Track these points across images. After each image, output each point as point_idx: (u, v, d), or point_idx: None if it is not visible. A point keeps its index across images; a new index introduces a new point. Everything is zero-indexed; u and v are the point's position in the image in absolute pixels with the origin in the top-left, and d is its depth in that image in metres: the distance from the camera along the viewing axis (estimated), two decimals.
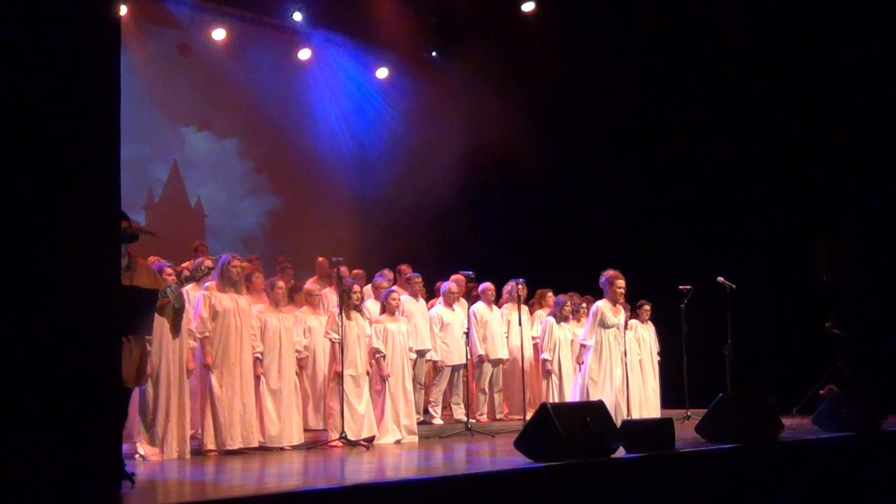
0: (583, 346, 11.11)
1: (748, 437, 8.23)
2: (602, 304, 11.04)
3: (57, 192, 5.20)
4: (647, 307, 12.74)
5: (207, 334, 8.92)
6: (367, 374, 9.96)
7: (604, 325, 10.92)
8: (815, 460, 8.59)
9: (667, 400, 12.86)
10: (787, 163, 14.35)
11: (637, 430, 7.69)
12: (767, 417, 8.70)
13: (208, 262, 9.00)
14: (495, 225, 15.22)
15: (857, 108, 13.93)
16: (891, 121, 13.78)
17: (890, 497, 8.97)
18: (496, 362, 12.02)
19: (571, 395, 11.27)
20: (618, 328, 11.03)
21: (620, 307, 11.18)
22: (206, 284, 9.22)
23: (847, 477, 8.70)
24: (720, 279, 11.90)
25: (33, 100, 5.19)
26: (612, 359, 10.96)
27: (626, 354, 11.14)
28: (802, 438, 8.96)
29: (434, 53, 16.69)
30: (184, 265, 9.94)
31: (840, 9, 13.47)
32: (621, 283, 10.96)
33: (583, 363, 11.04)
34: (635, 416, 11.55)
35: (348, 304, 9.79)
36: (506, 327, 12.15)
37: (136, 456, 8.21)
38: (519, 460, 7.11)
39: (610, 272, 11.02)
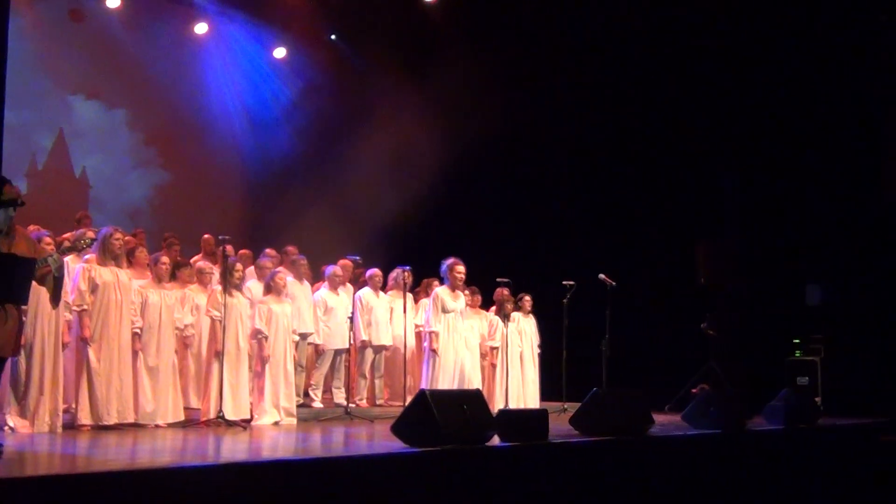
0: (431, 332, 11.31)
1: (619, 430, 8.47)
2: (441, 291, 11.39)
3: None
4: (528, 299, 12.95)
5: (86, 307, 8.75)
6: (249, 354, 9.91)
7: (444, 310, 11.26)
8: (682, 455, 8.89)
9: (546, 392, 13.10)
10: (675, 167, 14.73)
11: (512, 420, 7.84)
12: (638, 413, 8.96)
13: (90, 234, 8.87)
14: (385, 211, 15.24)
15: (740, 110, 14.39)
16: (774, 123, 14.29)
17: (752, 492, 9.33)
18: (379, 348, 12.07)
19: (423, 381, 11.36)
20: (458, 313, 11.39)
21: (459, 293, 11.52)
22: (87, 257, 9.03)
23: (712, 473, 9.03)
24: (601, 276, 12.16)
25: None
26: (454, 342, 11.30)
27: (467, 341, 11.54)
28: (671, 434, 9.27)
29: (334, 37, 16.61)
30: (65, 236, 9.74)
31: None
32: (461, 269, 11.33)
33: (435, 349, 11.23)
34: (513, 406, 11.81)
35: (230, 281, 9.72)
36: (390, 314, 12.19)
37: (6, 427, 8.01)
38: (396, 445, 7.18)
39: (450, 259, 11.37)
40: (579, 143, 15.05)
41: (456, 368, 11.25)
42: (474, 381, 11.29)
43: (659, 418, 10.78)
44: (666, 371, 13.58)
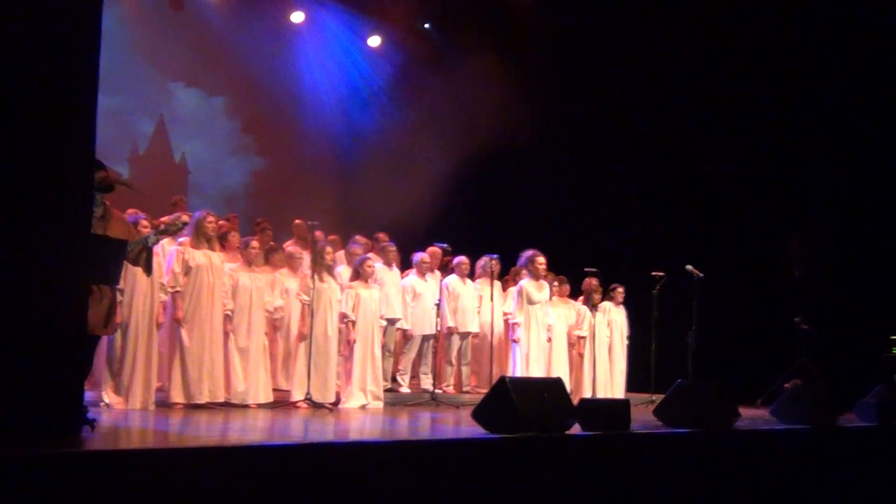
0: (514, 324, 11.48)
1: (703, 422, 8.39)
2: (526, 283, 11.59)
3: (29, 137, 5.26)
4: (621, 290, 12.90)
5: (179, 289, 9.00)
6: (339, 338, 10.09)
7: (529, 301, 11.46)
8: (769, 450, 8.75)
9: (635, 383, 13.03)
10: (767, 157, 14.46)
11: (594, 409, 7.83)
12: (724, 405, 8.85)
13: (185, 218, 9.11)
14: (477, 200, 15.29)
15: (836, 103, 14.06)
16: (867, 116, 13.93)
17: (840, 490, 9.15)
18: (465, 335, 12.13)
19: (511, 371, 11.44)
20: (543, 304, 11.58)
21: (544, 283, 11.69)
22: (181, 240, 9.28)
23: (799, 469, 8.88)
24: (688, 267, 12.03)
25: (7, 43, 5.24)
26: (539, 333, 11.52)
27: (550, 329, 11.74)
28: (757, 428, 9.13)
29: (427, 25, 16.68)
30: (162, 219, 9.99)
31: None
32: (541, 259, 11.58)
33: (517, 339, 11.42)
34: (601, 396, 11.79)
35: (321, 265, 9.89)
36: (478, 302, 12.24)
37: (102, 404, 8.31)
38: (476, 430, 7.24)
39: (529, 252, 11.61)
40: (672, 131, 14.87)
41: (540, 359, 11.32)
42: (558, 371, 11.31)
43: (749, 412, 10.66)
44: (758, 365, 13.36)
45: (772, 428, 9.20)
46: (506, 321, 12.24)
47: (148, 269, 7.54)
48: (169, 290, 9.00)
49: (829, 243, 14.05)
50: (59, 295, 5.35)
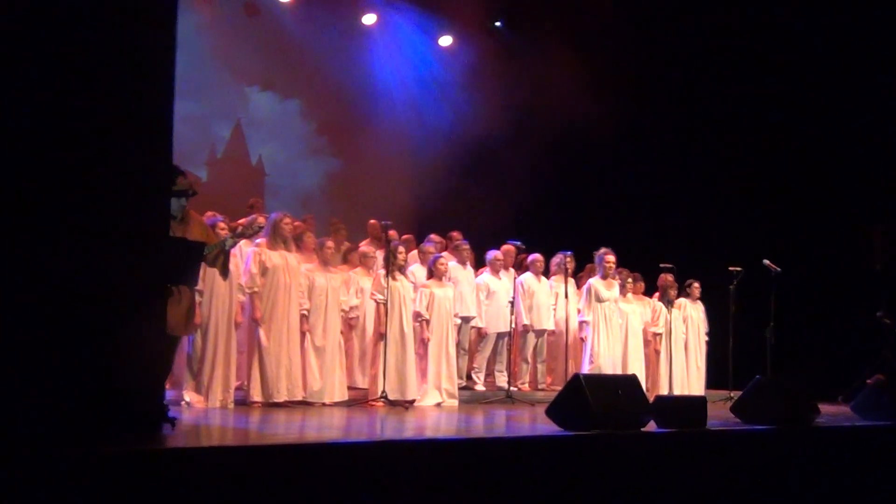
0: (583, 322, 11.50)
1: (782, 420, 8.27)
2: (594, 281, 11.65)
3: (109, 145, 5.41)
4: (696, 285, 12.79)
5: (256, 289, 9.15)
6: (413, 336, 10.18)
7: (598, 299, 11.49)
8: (850, 447, 8.60)
9: (713, 380, 12.91)
10: (848, 146, 14.19)
11: (669, 406, 7.78)
12: (804, 401, 8.72)
13: (261, 220, 9.30)
14: (552, 197, 15.25)
15: None
16: None
17: None
18: (540, 333, 12.13)
19: (582, 369, 11.43)
20: (612, 301, 11.62)
21: (613, 281, 11.72)
22: (258, 241, 9.44)
23: (882, 467, 8.71)
24: (766, 262, 11.87)
25: (88, 54, 5.39)
26: (609, 331, 11.55)
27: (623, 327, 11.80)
28: (838, 425, 8.97)
29: (498, 24, 16.69)
30: (239, 221, 10.18)
31: None
32: (610, 258, 11.65)
33: (584, 338, 11.50)
34: (678, 393, 11.70)
35: (393, 264, 9.98)
36: (553, 299, 12.23)
37: (182, 402, 8.49)
38: (551, 428, 7.24)
39: (601, 249, 11.68)
40: (749, 122, 14.67)
41: (610, 356, 11.31)
42: (633, 368, 11.27)
43: (830, 409, 10.48)
44: (838, 360, 13.12)
45: (854, 424, 9.04)
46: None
47: (224, 273, 7.71)
48: (247, 290, 9.15)
49: None
50: (140, 297, 5.49)
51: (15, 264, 5.08)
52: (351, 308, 10.15)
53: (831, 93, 14.18)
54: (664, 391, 11.73)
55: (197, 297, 7.96)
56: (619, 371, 11.22)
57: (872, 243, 13.63)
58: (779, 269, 11.80)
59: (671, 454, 7.26)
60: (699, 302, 12.91)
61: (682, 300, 12.68)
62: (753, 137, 14.69)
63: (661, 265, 12.23)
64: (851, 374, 12.66)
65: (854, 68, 13.99)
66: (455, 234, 12.40)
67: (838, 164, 14.25)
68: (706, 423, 7.83)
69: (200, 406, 8.50)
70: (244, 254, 9.45)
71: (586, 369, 11.22)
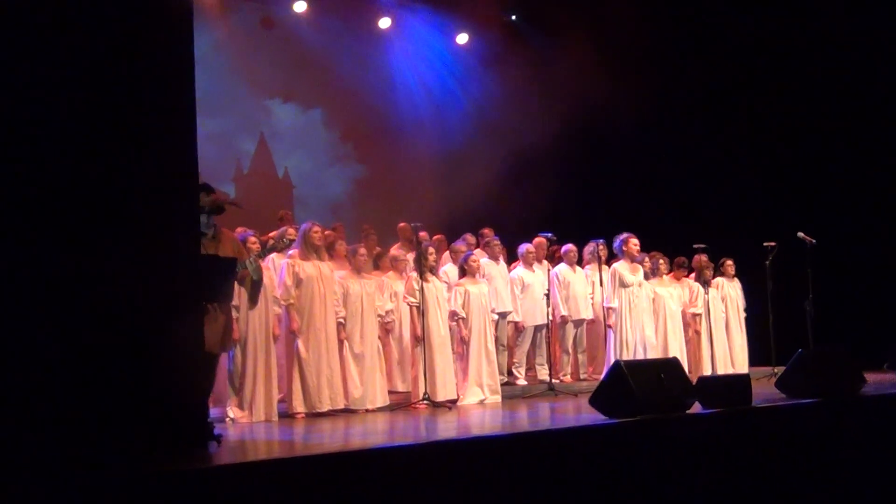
0: (609, 308, 11.42)
1: (828, 391, 8.21)
2: (618, 266, 11.54)
3: (134, 167, 5.46)
4: (730, 263, 12.74)
5: (292, 301, 9.18)
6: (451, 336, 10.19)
7: (623, 284, 11.39)
8: None
9: (756, 357, 12.82)
10: (877, 113, 14.03)
11: (713, 386, 7.74)
12: (848, 372, 8.65)
13: (291, 232, 9.33)
14: (578, 188, 15.20)
15: None
16: None
17: None
18: (578, 323, 12.10)
19: (608, 357, 11.38)
20: (636, 285, 11.50)
21: (638, 265, 11.62)
22: (290, 253, 9.48)
23: None
24: (800, 234, 11.77)
25: (107, 76, 5.44)
26: (634, 315, 11.42)
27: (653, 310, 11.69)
28: (886, 392, 8.89)
29: (514, 17, 16.66)
30: (270, 235, 10.23)
31: None
32: (635, 241, 11.55)
33: (611, 325, 11.39)
34: (721, 372, 11.64)
35: (425, 265, 9.99)
36: (590, 288, 12.20)
37: (227, 419, 8.53)
38: (596, 417, 7.23)
39: (623, 234, 11.60)
40: (777, 98, 14.54)
41: (639, 340, 11.26)
42: (672, 351, 11.23)
43: (876, 377, 10.39)
44: (881, 328, 12.99)
45: None
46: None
47: (253, 300, 7.71)
48: (282, 303, 9.19)
49: None
50: (175, 316, 5.54)
51: (51, 289, 5.14)
52: (386, 312, 10.16)
53: (861, 61, 14.01)
54: (707, 372, 11.66)
55: (233, 314, 8.01)
56: (653, 355, 11.15)
57: None
58: (814, 240, 11.70)
59: (718, 434, 7.23)
60: (736, 279, 12.84)
61: (718, 279, 12.62)
62: (778, 109, 14.55)
63: (695, 245, 12.17)
64: (895, 341, 12.54)
65: (884, 36, 13.81)
66: (486, 230, 12.41)
67: (867, 130, 14.08)
68: (751, 400, 7.79)
69: (245, 421, 8.54)
70: (278, 266, 9.50)
71: (613, 358, 11.13)
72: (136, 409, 5.25)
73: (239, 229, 9.44)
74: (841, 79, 14.10)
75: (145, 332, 5.35)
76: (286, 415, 9.04)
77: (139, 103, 5.63)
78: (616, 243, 11.65)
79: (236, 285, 7.34)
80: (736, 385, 7.84)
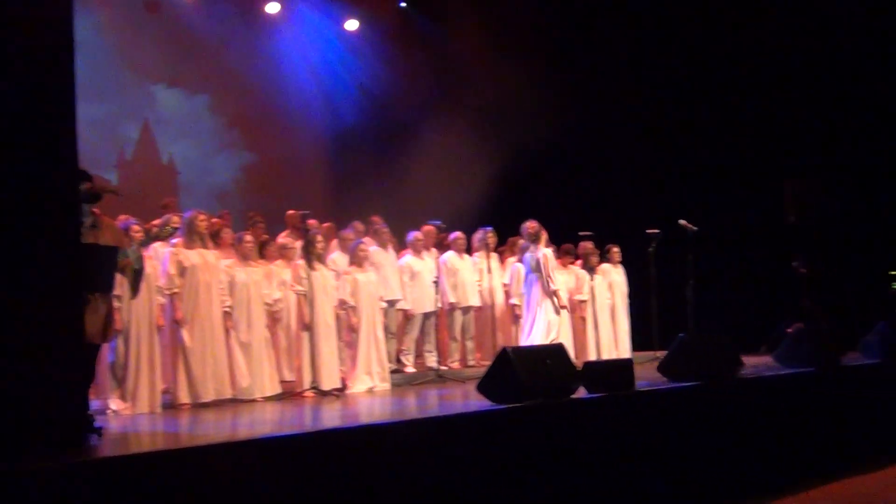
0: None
1: (707, 375, 8.44)
2: (549, 252, 11.67)
3: (9, 154, 5.29)
4: (616, 250, 12.96)
5: (176, 290, 9.03)
6: (337, 325, 10.15)
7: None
8: (775, 396, 8.82)
9: (639, 342, 13.10)
10: (755, 102, 14.46)
11: (597, 372, 7.89)
12: (727, 355, 8.91)
13: (175, 220, 9.16)
14: (467, 175, 15.29)
15: (827, 47, 14.05)
16: (860, 59, 13.93)
17: (848, 428, 9.22)
18: (467, 310, 12.18)
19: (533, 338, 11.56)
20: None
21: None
22: (174, 241, 9.31)
23: (806, 411, 8.94)
24: (682, 222, 12.06)
25: None
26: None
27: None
28: (762, 375, 9.19)
29: (403, 4, 16.64)
30: (154, 223, 10.02)
31: None
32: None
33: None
34: (606, 357, 11.85)
35: (312, 254, 9.93)
36: (478, 275, 12.28)
37: (108, 411, 8.33)
38: (482, 403, 7.29)
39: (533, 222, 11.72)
40: (658, 82, 14.85)
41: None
42: (561, 337, 11.41)
43: (753, 360, 10.72)
44: (759, 312, 13.43)
45: (777, 373, 9.27)
46: (506, 292, 12.31)
47: (134, 290, 7.56)
48: (166, 292, 9.03)
49: (821, 186, 14.08)
50: (54, 306, 5.39)
51: None
52: (274, 301, 10.05)
53: (739, 50, 14.41)
54: (592, 357, 11.87)
55: (115, 303, 7.83)
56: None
57: (784, 197, 13.95)
58: (695, 228, 12.00)
59: (602, 418, 7.38)
60: (620, 266, 13.08)
61: (604, 266, 12.84)
62: (661, 99, 14.88)
63: (580, 233, 12.36)
64: (772, 325, 12.97)
65: (760, 26, 14.22)
66: (375, 218, 12.34)
67: (746, 123, 14.51)
68: (634, 384, 7.96)
69: (127, 413, 8.35)
70: (161, 255, 9.32)
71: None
72: (12, 401, 5.10)
73: (121, 217, 9.19)
74: (725, 69, 14.49)
75: (21, 323, 5.19)
76: (171, 406, 8.88)
77: (14, 87, 5.44)
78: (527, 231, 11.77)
79: (118, 275, 7.16)
80: (619, 370, 8.01)
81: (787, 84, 14.27)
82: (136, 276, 7.35)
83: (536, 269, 11.46)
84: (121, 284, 8.00)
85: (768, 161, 14.41)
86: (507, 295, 12.31)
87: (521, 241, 12.38)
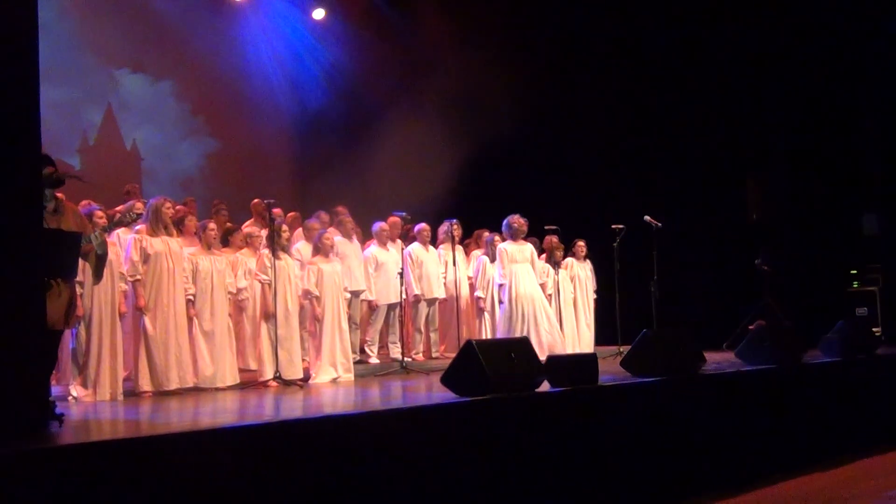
0: (500, 285, 11.67)
1: (670, 370, 8.48)
2: (506, 245, 11.85)
3: None
4: (581, 244, 13.01)
5: (139, 277, 8.95)
6: (301, 314, 10.11)
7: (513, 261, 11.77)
8: (736, 392, 8.88)
9: (602, 336, 13.15)
10: (719, 100, 14.55)
11: (561, 365, 7.88)
12: (690, 352, 8.95)
13: (139, 206, 9.07)
14: (432, 166, 15.27)
15: (787, 45, 14.16)
16: (820, 58, 14.05)
17: (810, 425, 9.31)
18: (431, 302, 12.18)
19: (498, 333, 11.59)
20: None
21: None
22: (137, 228, 9.22)
23: (767, 408, 9.01)
24: (647, 218, 12.12)
25: None
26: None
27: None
28: (724, 371, 9.25)
29: None
30: (117, 209, 9.93)
31: None
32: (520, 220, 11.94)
33: (502, 302, 11.60)
34: (569, 352, 11.88)
35: (277, 243, 9.88)
36: (443, 267, 12.28)
37: (69, 398, 8.26)
38: (446, 395, 7.28)
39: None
40: (622, 80, 14.91)
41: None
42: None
43: (715, 356, 10.80)
44: (721, 309, 13.53)
45: (738, 370, 9.32)
46: (471, 284, 12.32)
47: (97, 275, 7.51)
48: (129, 279, 8.94)
49: (783, 184, 14.21)
50: (15, 292, 5.31)
51: None
52: (239, 290, 9.99)
53: (700, 45, 14.49)
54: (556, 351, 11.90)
55: (77, 289, 7.74)
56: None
57: (747, 194, 14.06)
58: (659, 224, 12.06)
59: (566, 412, 7.39)
60: (587, 260, 13.14)
61: (569, 260, 12.89)
62: (626, 94, 14.93)
63: (546, 227, 12.39)
64: (734, 322, 13.08)
65: (724, 22, 14.31)
66: (340, 208, 12.30)
67: (710, 120, 14.59)
68: (598, 379, 7.98)
69: (89, 400, 8.28)
70: (124, 241, 9.24)
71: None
72: None
73: (84, 203, 9.13)
74: (691, 64, 14.57)
75: None
76: (132, 393, 8.80)
77: None
78: (504, 224, 11.93)
79: (81, 260, 7.08)
80: (583, 364, 8.00)
81: (752, 80, 14.37)
82: (100, 262, 7.28)
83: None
84: (83, 270, 7.93)
85: (733, 158, 14.50)
86: (472, 287, 12.32)
87: (486, 234, 12.43)
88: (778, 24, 14.01)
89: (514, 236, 11.88)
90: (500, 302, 11.69)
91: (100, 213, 8.58)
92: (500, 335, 11.52)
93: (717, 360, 10.51)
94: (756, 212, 13.99)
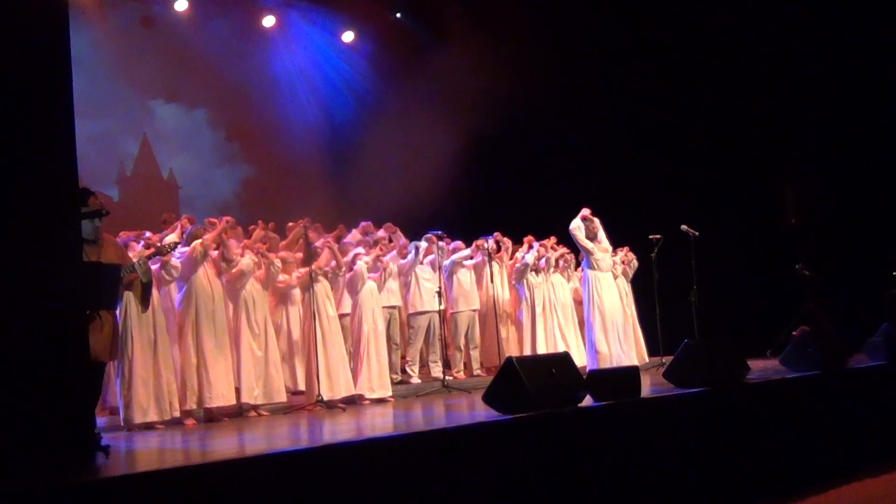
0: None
1: (714, 380, 8.39)
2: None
3: (9, 171, 5.28)
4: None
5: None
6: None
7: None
8: (782, 400, 8.77)
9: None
10: (755, 107, 14.43)
11: (603, 379, 7.84)
12: (733, 361, 8.86)
13: (175, 238, 9.15)
14: (468, 183, 15.28)
15: (824, 51, 14.04)
16: (857, 62, 13.92)
17: (857, 430, 9.18)
18: (470, 315, 12.14)
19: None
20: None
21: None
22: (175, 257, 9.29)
23: (814, 415, 8.90)
24: (683, 227, 12.04)
25: None
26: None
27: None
28: (769, 379, 9.13)
29: (399, 14, 16.65)
30: (153, 237, 10.00)
31: None
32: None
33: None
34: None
35: (314, 265, 9.92)
36: (479, 283, 12.29)
37: (117, 429, 8.31)
38: (489, 414, 7.25)
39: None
40: (658, 90, 14.84)
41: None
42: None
43: (759, 364, 10.68)
44: (764, 316, 13.39)
45: (783, 377, 9.21)
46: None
47: (144, 303, 7.58)
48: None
49: (822, 188, 14.06)
50: (58, 325, 5.37)
51: None
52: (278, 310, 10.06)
53: (741, 51, 14.39)
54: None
55: (121, 319, 7.82)
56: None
57: (784, 199, 13.93)
58: (697, 233, 11.98)
59: (609, 426, 7.33)
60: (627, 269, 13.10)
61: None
62: (662, 103, 14.85)
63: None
64: (777, 328, 12.93)
65: (759, 30, 14.22)
66: (371, 225, 12.38)
67: (746, 127, 14.48)
68: (640, 392, 7.92)
69: (136, 430, 8.33)
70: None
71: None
72: (19, 421, 5.07)
73: (122, 234, 9.22)
74: (728, 76, 14.48)
75: (27, 342, 5.17)
76: (178, 421, 8.84)
77: (12, 104, 5.43)
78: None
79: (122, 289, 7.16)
80: (625, 377, 7.96)
81: (787, 85, 14.25)
82: (146, 291, 7.33)
83: None
84: (128, 299, 8.01)
85: (768, 163, 14.37)
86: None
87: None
88: (814, 27, 13.89)
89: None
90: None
91: (134, 245, 8.67)
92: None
93: (761, 367, 10.40)
94: (794, 216, 13.83)
